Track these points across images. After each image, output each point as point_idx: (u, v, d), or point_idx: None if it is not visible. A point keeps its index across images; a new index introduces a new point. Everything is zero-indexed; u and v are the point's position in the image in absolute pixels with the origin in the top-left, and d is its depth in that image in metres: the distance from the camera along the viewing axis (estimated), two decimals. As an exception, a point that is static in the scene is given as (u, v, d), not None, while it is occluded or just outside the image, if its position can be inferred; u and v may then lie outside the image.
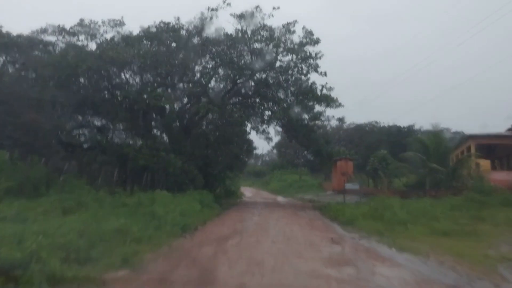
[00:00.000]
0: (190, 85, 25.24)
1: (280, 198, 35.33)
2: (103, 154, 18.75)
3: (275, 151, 65.95)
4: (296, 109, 25.01)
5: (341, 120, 25.92)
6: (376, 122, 51.16)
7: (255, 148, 31.03)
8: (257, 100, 25.94)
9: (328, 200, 27.10)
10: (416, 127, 47.30)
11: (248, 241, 9.69)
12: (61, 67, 19.55)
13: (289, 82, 25.96)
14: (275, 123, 25.83)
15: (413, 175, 25.91)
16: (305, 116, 25.79)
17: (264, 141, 28.08)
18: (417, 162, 25.05)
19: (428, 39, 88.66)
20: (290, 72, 25.64)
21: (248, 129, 26.96)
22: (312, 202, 28.42)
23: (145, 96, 21.20)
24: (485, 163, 24.90)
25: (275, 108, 25.20)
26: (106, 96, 22.76)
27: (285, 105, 24.96)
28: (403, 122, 47.91)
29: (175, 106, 24.78)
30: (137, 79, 24.45)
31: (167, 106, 22.42)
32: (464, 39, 76.01)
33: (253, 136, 36.10)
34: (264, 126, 27.68)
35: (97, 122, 23.77)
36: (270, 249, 8.55)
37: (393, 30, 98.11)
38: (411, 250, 9.18)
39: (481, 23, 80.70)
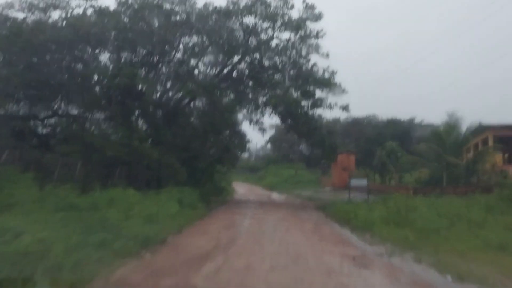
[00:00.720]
0: (174, 66, 22.01)
1: (275, 195, 32.20)
2: (64, 144, 15.46)
3: (269, 145, 63.01)
4: (295, 94, 21.90)
5: (345, 108, 22.62)
6: (374, 115, 49.14)
7: (248, 141, 27.97)
8: (250, 83, 22.76)
9: (330, 198, 24.41)
10: (417, 120, 46.11)
11: (234, 265, 6.43)
12: (14, 39, 16.29)
13: (287, 64, 22.93)
14: (270, 110, 22.63)
15: (427, 169, 23.04)
16: (305, 103, 22.67)
17: (258, 132, 24.90)
18: (430, 155, 22.36)
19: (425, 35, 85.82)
20: (288, 53, 22.62)
21: (240, 116, 23.86)
22: (312, 200, 25.43)
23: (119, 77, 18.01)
24: (497, 157, 22.44)
25: (271, 93, 22.06)
26: (75, 77, 19.46)
27: (282, 90, 21.84)
28: (402, 116, 45.73)
29: (158, 89, 21.57)
30: (113, 60, 21.15)
31: (144, 88, 19.08)
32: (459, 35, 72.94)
33: (246, 127, 32.97)
34: (258, 115, 24.66)
35: (75, 110, 20.55)
36: (268, 284, 5.37)
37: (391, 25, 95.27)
38: (476, 279, 6.21)
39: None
